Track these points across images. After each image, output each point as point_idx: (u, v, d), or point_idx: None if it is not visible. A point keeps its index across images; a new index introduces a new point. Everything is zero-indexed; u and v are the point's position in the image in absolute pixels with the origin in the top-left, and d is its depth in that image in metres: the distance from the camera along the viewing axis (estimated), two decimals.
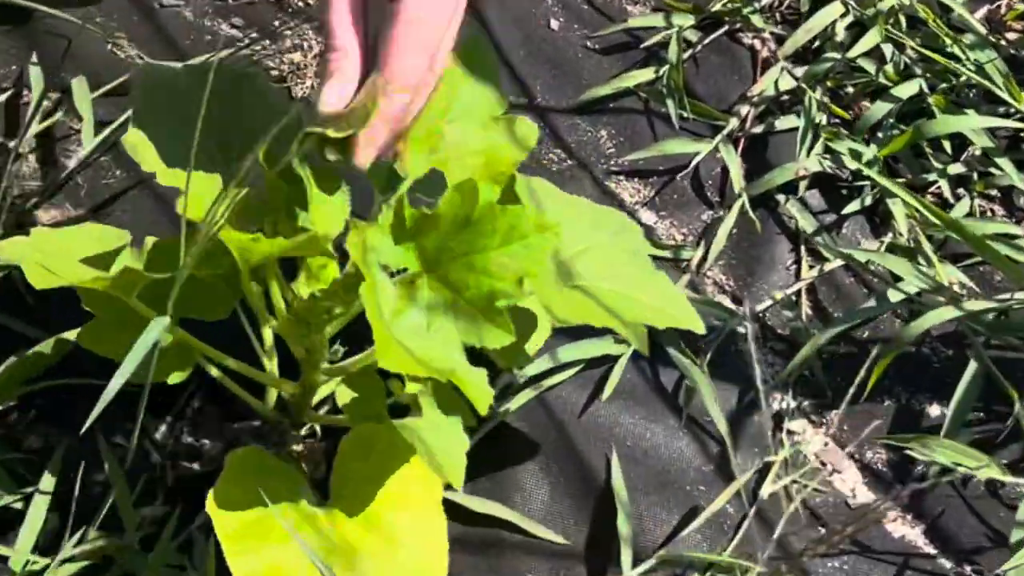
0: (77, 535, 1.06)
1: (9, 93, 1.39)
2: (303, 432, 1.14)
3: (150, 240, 1.06)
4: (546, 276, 0.96)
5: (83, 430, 0.87)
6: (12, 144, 1.33)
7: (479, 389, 0.87)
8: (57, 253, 1.01)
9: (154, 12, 1.51)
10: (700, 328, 1.06)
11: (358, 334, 1.00)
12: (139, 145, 0.97)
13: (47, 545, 1.07)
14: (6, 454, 1.13)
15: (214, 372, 1.08)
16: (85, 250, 1.03)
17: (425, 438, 0.94)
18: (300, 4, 1.56)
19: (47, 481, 1.10)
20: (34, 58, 1.38)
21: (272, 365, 1.10)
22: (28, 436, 1.16)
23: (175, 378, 1.07)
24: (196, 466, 1.16)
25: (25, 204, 1.32)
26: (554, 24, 1.61)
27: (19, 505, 1.09)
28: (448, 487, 1.18)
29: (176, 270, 0.86)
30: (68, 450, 1.14)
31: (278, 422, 1.12)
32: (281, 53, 1.52)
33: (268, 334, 1.10)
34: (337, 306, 0.97)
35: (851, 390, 1.32)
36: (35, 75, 1.37)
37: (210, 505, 0.94)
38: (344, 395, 1.05)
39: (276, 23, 1.53)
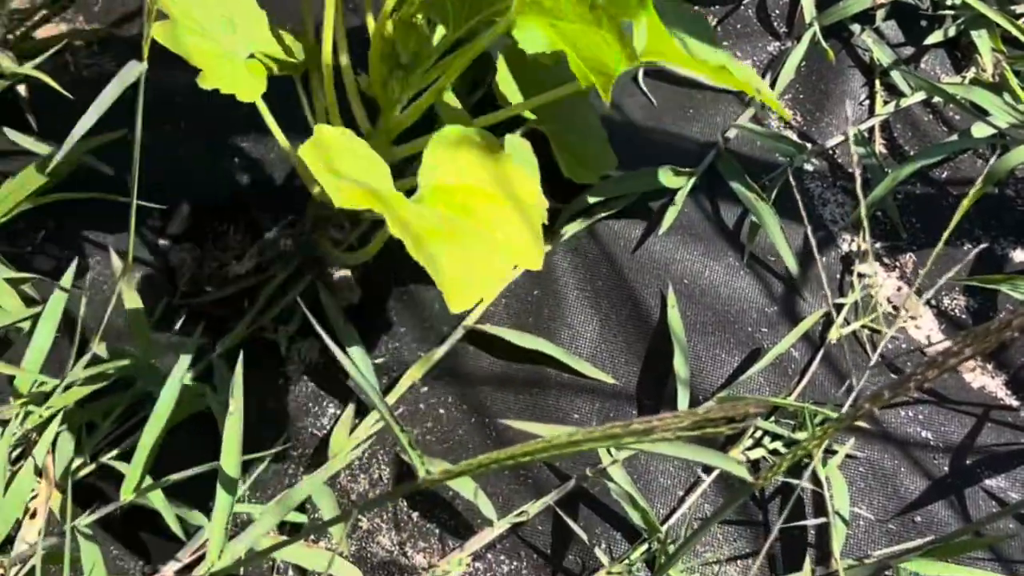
0: (87, 356, 0.97)
1: None
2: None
3: None
4: None
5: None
6: None
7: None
8: None
9: None
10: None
11: None
12: None
13: (56, 369, 0.99)
14: (13, 274, 1.04)
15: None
16: None
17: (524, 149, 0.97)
18: None
19: (56, 300, 1.01)
20: None
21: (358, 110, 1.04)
22: (37, 256, 1.08)
23: (249, 93, 0.93)
24: (212, 289, 1.06)
25: (32, 17, 1.21)
26: None
27: (27, 326, 1.00)
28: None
29: None
30: (80, 272, 1.05)
31: None
32: None
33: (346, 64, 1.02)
34: None
35: (930, 232, 1.22)
36: None
37: (303, 149, 0.83)
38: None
39: None
